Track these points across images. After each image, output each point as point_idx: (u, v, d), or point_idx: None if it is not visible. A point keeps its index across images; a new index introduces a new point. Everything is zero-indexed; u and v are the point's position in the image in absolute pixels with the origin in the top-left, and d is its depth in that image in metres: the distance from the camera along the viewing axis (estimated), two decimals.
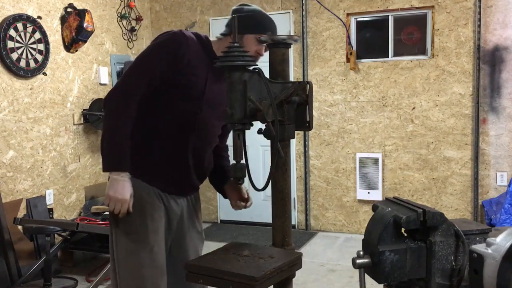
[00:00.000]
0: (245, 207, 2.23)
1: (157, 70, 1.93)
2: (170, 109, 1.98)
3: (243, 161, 1.70)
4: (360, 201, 5.11)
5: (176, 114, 1.98)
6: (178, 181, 2.05)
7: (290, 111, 1.74)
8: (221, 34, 2.05)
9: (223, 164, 2.28)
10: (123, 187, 1.89)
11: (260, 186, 1.70)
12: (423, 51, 4.87)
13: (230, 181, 2.25)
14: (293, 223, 5.20)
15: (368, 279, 1.36)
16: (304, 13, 5.11)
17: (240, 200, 2.22)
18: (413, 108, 4.86)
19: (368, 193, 5.03)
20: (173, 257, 2.11)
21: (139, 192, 1.96)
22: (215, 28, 5.51)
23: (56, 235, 3.97)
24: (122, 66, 4.94)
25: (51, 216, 4.20)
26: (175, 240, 2.11)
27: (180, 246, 2.12)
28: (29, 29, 4.06)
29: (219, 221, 5.74)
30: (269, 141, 1.74)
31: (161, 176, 2.01)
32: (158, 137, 1.99)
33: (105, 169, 1.93)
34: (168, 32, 1.99)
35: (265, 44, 1.91)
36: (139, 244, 1.95)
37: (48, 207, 4.22)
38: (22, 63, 4.01)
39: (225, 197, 2.29)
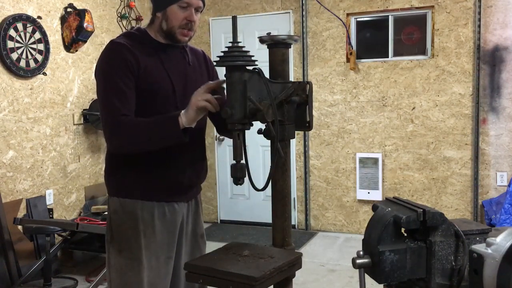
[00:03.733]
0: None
1: (125, 87, 1.83)
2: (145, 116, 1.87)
3: (243, 161, 1.70)
4: (360, 201, 5.11)
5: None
6: (170, 187, 1.94)
7: (290, 111, 1.74)
8: (151, 20, 1.97)
9: None
10: (188, 111, 1.74)
11: (260, 186, 1.70)
12: (423, 51, 4.88)
13: None
14: (293, 223, 5.20)
15: (368, 279, 1.36)
16: (304, 13, 5.11)
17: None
18: (413, 108, 4.86)
19: (368, 193, 5.03)
20: (177, 267, 2.00)
21: (132, 209, 1.90)
22: (215, 28, 5.52)
23: (56, 235, 3.97)
24: None
25: (51, 216, 4.20)
26: (178, 249, 2.00)
27: (182, 255, 2.01)
28: (29, 29, 4.06)
29: (219, 221, 5.74)
30: (269, 141, 1.74)
31: (151, 188, 1.91)
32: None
33: (178, 130, 1.77)
34: (104, 50, 1.90)
35: (193, 7, 1.86)
36: (132, 261, 1.88)
37: (48, 207, 4.22)
38: (22, 63, 4.01)
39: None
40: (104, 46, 1.95)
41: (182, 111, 1.77)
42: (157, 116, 1.82)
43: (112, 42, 1.90)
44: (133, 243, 1.89)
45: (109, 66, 1.85)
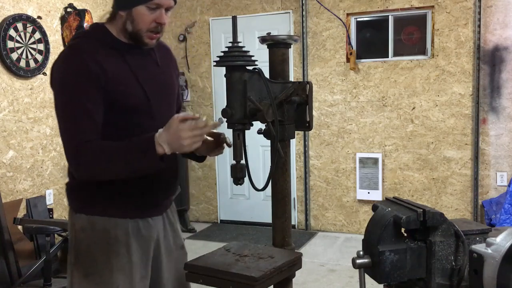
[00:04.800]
0: (228, 144, 1.76)
1: (91, 104, 1.58)
2: (115, 131, 1.63)
3: (243, 161, 1.70)
4: (360, 201, 5.11)
5: (124, 132, 1.63)
6: (144, 201, 1.74)
7: (290, 111, 1.74)
8: (111, 15, 1.71)
9: None
10: (169, 135, 1.51)
11: (260, 186, 1.70)
12: (423, 51, 4.88)
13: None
14: (293, 223, 5.20)
15: (368, 279, 1.36)
16: (304, 13, 5.11)
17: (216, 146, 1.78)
18: (413, 108, 4.86)
19: (368, 193, 5.03)
20: (158, 285, 1.83)
21: (103, 227, 1.68)
22: (215, 28, 5.52)
23: (56, 235, 3.97)
24: None
25: (51, 216, 4.20)
26: (157, 266, 1.81)
27: (163, 271, 1.83)
28: (29, 29, 4.06)
29: (219, 221, 5.74)
30: (269, 141, 1.74)
31: (125, 204, 1.71)
32: None
33: (157, 159, 1.54)
34: (62, 56, 1.64)
35: (163, 8, 1.64)
36: (100, 286, 1.67)
37: (48, 207, 4.22)
38: (22, 63, 4.01)
39: (196, 158, 1.90)
40: None
41: (161, 137, 1.52)
42: (130, 141, 1.56)
43: (71, 48, 1.65)
44: (102, 266, 1.68)
45: (71, 78, 1.59)
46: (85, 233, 1.70)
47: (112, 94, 1.62)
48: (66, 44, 4.44)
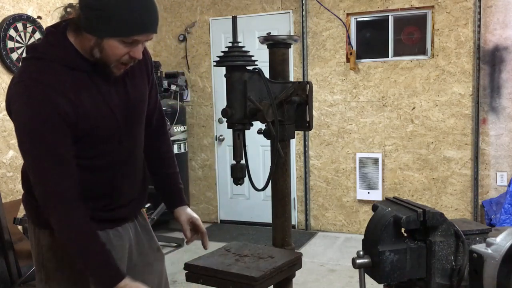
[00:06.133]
0: (203, 242, 1.80)
1: (62, 148, 1.44)
2: (79, 160, 1.51)
3: (243, 161, 1.70)
4: (360, 201, 5.11)
5: (88, 160, 1.55)
6: (113, 215, 1.66)
7: (290, 111, 1.74)
8: (74, 25, 1.56)
9: (167, 173, 1.85)
10: None
11: (260, 186, 1.70)
12: (423, 51, 4.87)
13: (179, 207, 1.84)
14: (293, 223, 5.20)
15: (368, 279, 1.36)
16: (304, 13, 5.11)
17: (192, 231, 1.82)
18: (413, 108, 4.86)
19: (368, 193, 5.03)
20: None
21: None
22: (215, 28, 5.52)
23: None
24: None
25: None
26: (128, 274, 1.67)
27: (133, 277, 1.68)
28: (29, 29, 4.07)
29: (219, 221, 5.74)
30: (269, 141, 1.75)
31: (94, 217, 1.56)
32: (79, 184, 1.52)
33: None
34: (22, 89, 1.41)
35: (141, 43, 1.47)
36: None
37: None
38: None
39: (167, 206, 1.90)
40: None
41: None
42: (106, 261, 1.50)
43: (33, 81, 1.41)
44: (77, 281, 1.60)
45: (40, 122, 1.40)
46: (52, 250, 1.60)
47: (82, 129, 1.47)
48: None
